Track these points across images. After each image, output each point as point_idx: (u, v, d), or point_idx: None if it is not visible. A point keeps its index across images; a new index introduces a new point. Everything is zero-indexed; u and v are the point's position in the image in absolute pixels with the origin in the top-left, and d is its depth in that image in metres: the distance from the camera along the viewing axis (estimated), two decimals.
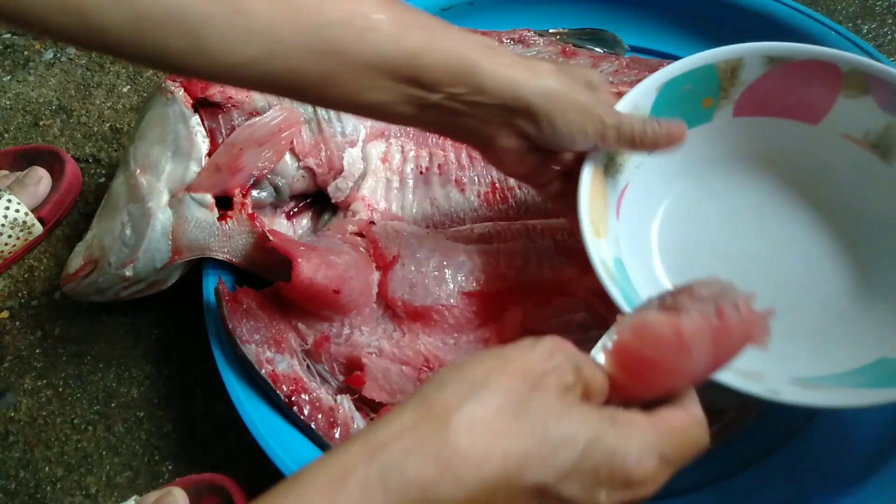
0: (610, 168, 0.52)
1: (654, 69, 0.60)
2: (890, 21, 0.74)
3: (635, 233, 0.53)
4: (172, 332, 0.64)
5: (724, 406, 0.49)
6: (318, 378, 0.54)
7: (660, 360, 0.31)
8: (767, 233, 0.53)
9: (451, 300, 0.54)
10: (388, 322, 0.55)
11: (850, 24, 0.74)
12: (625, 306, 0.43)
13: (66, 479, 0.58)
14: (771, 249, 0.52)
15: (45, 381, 0.63)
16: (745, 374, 0.44)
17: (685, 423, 0.31)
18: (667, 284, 0.52)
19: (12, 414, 0.61)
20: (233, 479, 0.54)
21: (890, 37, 0.73)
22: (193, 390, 0.61)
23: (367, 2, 0.40)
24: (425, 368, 0.52)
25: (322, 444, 0.52)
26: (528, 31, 0.65)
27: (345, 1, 0.39)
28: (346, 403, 0.52)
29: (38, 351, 0.64)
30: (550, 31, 0.67)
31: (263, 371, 0.53)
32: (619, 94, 0.54)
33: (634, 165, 0.53)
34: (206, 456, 0.58)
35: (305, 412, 0.52)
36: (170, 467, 0.58)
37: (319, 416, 0.52)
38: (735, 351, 0.32)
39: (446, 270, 0.54)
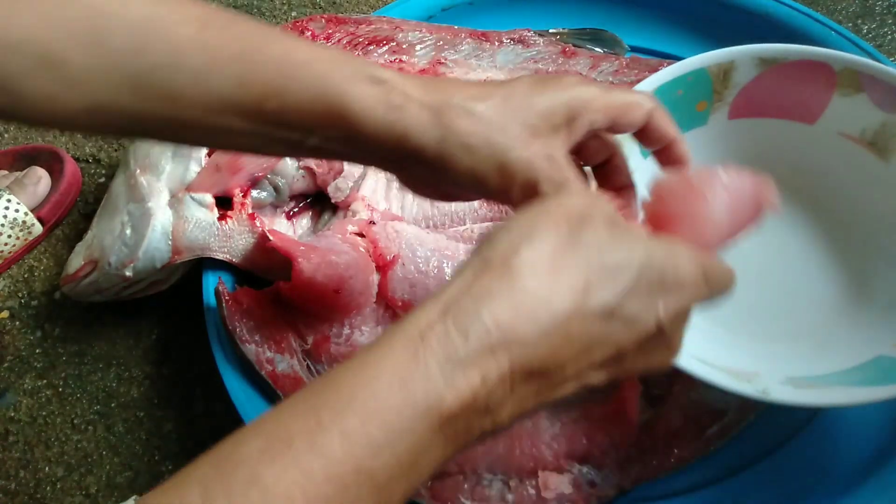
0: None
1: (654, 69, 0.60)
2: (890, 21, 0.73)
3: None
4: (172, 332, 0.64)
5: (725, 406, 0.50)
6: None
7: (680, 210, 0.34)
8: (763, 234, 0.52)
9: None
10: (389, 322, 0.55)
11: (850, 24, 0.74)
12: None
13: (66, 479, 0.58)
14: (767, 251, 0.52)
15: (45, 381, 0.63)
16: (739, 374, 0.44)
17: (719, 262, 0.34)
18: None
19: (12, 414, 0.61)
20: None
21: (890, 37, 0.73)
22: (193, 390, 0.61)
23: (195, 35, 0.34)
24: None
25: None
26: (528, 31, 0.65)
27: (169, 35, 0.34)
28: None
29: (38, 351, 0.64)
30: (550, 31, 0.67)
31: (263, 371, 0.53)
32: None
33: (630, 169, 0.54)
34: None
35: None
36: (170, 467, 0.58)
37: None
38: (747, 202, 0.35)
39: (446, 270, 0.54)
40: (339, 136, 0.37)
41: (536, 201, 0.33)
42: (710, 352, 0.47)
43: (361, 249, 0.55)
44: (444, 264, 0.55)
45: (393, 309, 0.54)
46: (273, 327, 0.54)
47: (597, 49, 0.66)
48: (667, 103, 0.52)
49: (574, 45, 0.65)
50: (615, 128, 0.38)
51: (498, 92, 0.37)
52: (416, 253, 0.55)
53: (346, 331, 0.54)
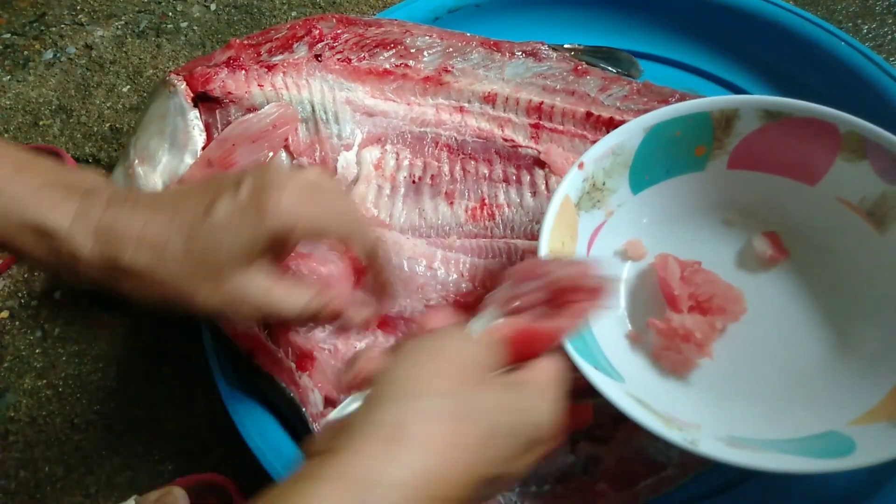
0: (585, 202, 0.51)
1: (664, 99, 0.59)
2: (890, 21, 0.73)
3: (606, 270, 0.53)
4: (172, 331, 0.64)
5: (665, 461, 0.48)
6: (274, 348, 0.54)
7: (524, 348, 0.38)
8: (746, 290, 0.51)
9: (416, 314, 0.54)
10: None
11: (850, 24, 0.74)
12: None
13: (66, 479, 0.58)
14: (750, 309, 0.51)
15: (45, 381, 0.63)
16: (675, 422, 0.43)
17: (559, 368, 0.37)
18: (628, 325, 0.52)
19: (12, 414, 0.61)
20: (233, 479, 0.54)
21: (890, 37, 0.73)
22: (193, 390, 0.61)
23: None
24: None
25: (289, 399, 0.52)
26: (542, 45, 0.63)
27: None
28: (304, 378, 0.53)
29: (38, 351, 0.64)
30: (565, 45, 0.65)
31: (224, 328, 0.53)
32: (621, 122, 0.53)
33: (616, 204, 0.52)
34: (206, 456, 0.58)
35: (266, 367, 0.52)
36: (170, 467, 0.58)
37: (281, 372, 0.52)
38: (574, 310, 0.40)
39: (418, 280, 0.55)
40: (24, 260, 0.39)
41: (427, 338, 0.34)
42: (657, 397, 0.46)
43: (347, 260, 0.55)
44: (417, 274, 0.55)
45: None
46: None
47: (610, 69, 0.64)
48: (663, 142, 0.51)
49: (588, 63, 0.63)
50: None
51: (184, 232, 0.37)
52: (391, 262, 0.55)
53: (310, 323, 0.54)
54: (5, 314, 0.66)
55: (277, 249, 0.39)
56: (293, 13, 0.82)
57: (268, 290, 0.38)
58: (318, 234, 0.41)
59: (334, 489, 0.28)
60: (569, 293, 0.39)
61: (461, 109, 0.61)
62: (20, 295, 0.67)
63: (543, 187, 0.58)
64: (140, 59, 0.80)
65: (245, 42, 0.62)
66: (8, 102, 0.79)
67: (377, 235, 0.43)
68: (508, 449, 0.32)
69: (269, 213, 0.37)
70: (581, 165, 0.50)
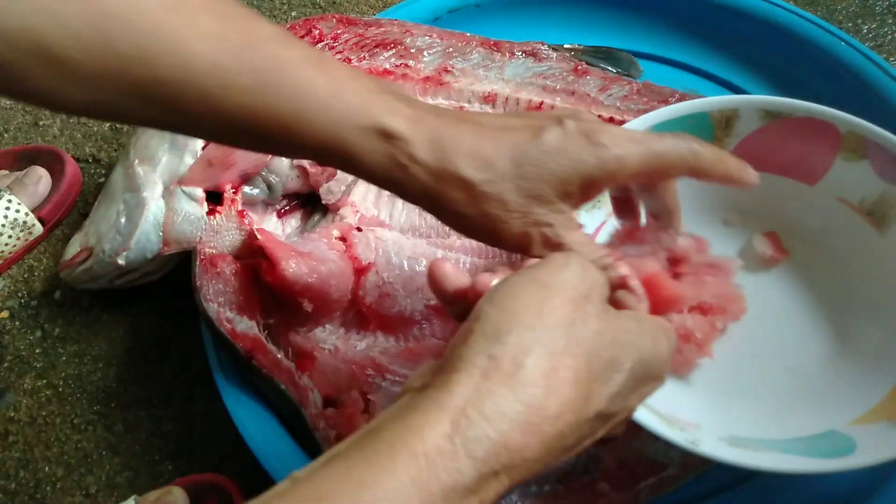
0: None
1: (664, 99, 0.59)
2: (890, 21, 0.73)
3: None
4: (172, 331, 0.64)
5: (666, 461, 0.48)
6: (273, 349, 0.54)
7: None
8: (746, 289, 0.50)
9: (417, 314, 0.54)
10: (353, 324, 0.55)
11: (851, 24, 0.74)
12: None
13: (66, 479, 0.58)
14: (751, 308, 0.49)
15: (45, 381, 0.63)
16: (676, 422, 0.43)
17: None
18: None
19: (12, 414, 0.61)
20: (233, 479, 0.54)
21: (890, 37, 0.73)
22: (193, 390, 0.61)
23: (209, 55, 0.33)
24: (371, 371, 0.53)
25: (288, 400, 0.52)
26: (542, 45, 0.63)
27: (181, 50, 0.33)
28: (304, 378, 0.53)
29: (38, 351, 0.64)
30: (565, 45, 0.65)
31: (223, 328, 0.53)
32: (621, 122, 0.53)
33: None
34: (206, 456, 0.58)
35: (266, 367, 0.52)
36: (170, 467, 0.58)
37: (280, 373, 0.52)
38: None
39: (418, 281, 0.55)
40: (348, 169, 0.37)
41: (535, 267, 0.33)
42: (658, 397, 0.44)
43: (346, 258, 0.55)
44: (418, 273, 0.55)
45: (359, 310, 0.55)
46: (241, 296, 0.54)
47: (610, 69, 0.64)
48: None
49: (588, 63, 0.63)
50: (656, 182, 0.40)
51: (512, 152, 0.37)
52: (392, 261, 0.55)
53: (311, 322, 0.54)
54: (5, 314, 0.66)
55: (588, 191, 0.38)
56: (293, 13, 0.81)
57: (574, 226, 0.38)
58: (654, 166, 0.39)
59: (439, 421, 0.27)
60: (682, 265, 0.38)
61: (461, 109, 0.61)
62: (20, 295, 0.67)
63: None
64: None
65: None
66: (8, 102, 0.79)
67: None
68: (617, 384, 0.31)
69: (600, 142, 0.37)
70: None
